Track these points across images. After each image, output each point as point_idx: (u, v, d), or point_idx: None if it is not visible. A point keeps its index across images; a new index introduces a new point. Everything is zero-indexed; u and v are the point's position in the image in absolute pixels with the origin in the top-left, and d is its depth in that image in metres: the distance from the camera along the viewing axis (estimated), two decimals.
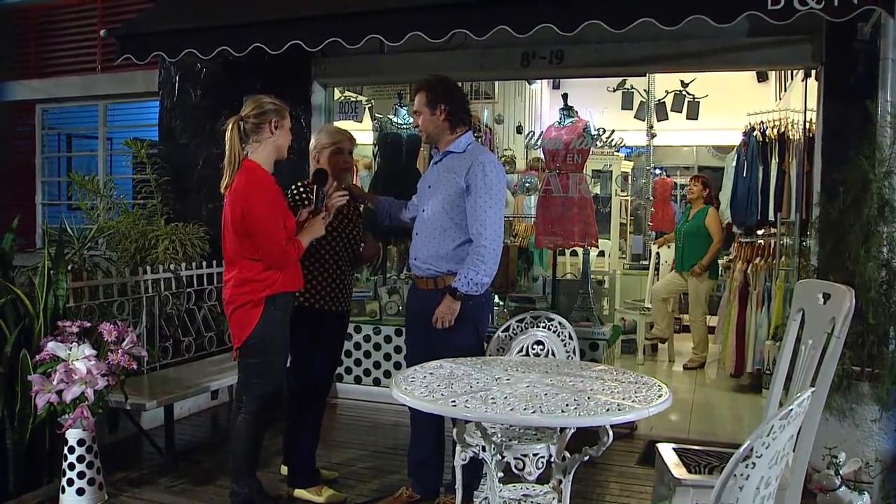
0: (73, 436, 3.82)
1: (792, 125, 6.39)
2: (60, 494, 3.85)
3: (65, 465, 3.84)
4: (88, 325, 4.01)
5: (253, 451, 3.67)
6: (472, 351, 3.65)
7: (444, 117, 3.65)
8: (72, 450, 3.82)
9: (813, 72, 5.14)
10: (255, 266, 3.49)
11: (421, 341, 3.79)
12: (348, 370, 6.03)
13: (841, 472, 3.63)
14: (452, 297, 3.56)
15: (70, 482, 3.82)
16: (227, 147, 3.45)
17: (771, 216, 6.40)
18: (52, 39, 7.64)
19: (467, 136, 3.73)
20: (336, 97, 6.65)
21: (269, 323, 3.52)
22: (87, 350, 3.80)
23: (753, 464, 1.83)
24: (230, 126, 3.46)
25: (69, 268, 4.62)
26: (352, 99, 7.28)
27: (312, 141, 4.12)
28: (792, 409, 1.87)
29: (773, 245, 6.31)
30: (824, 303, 2.75)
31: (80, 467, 3.82)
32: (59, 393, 3.71)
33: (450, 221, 3.64)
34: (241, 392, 3.72)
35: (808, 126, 5.58)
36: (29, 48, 7.73)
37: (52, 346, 3.76)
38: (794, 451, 2.51)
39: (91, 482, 3.86)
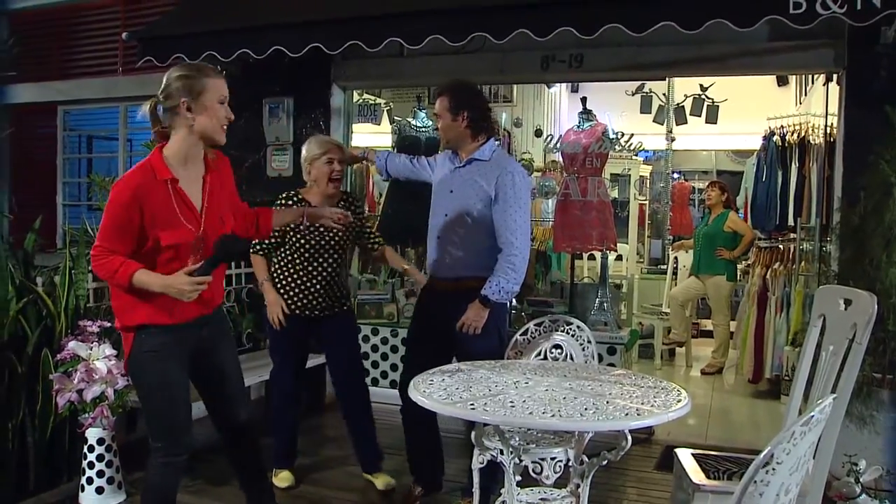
0: (92, 435, 3.85)
1: (812, 129, 6.35)
2: (80, 493, 3.89)
3: (84, 463, 3.87)
4: (109, 324, 4.04)
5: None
6: (495, 355, 3.66)
7: (465, 124, 3.66)
8: (91, 448, 3.85)
9: (835, 76, 5.10)
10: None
11: (434, 346, 3.76)
12: (365, 373, 6.04)
13: (861, 479, 3.60)
14: (484, 305, 3.58)
15: (90, 481, 3.86)
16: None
17: (790, 221, 6.36)
18: (75, 42, 7.69)
19: (491, 144, 3.74)
20: (355, 100, 6.67)
21: (138, 358, 2.94)
22: (108, 350, 3.84)
23: (773, 470, 1.82)
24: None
25: (90, 268, 4.65)
26: (371, 102, 7.30)
27: (303, 152, 4.15)
28: (813, 416, 1.85)
29: (792, 250, 6.27)
30: (845, 309, 2.73)
31: (99, 466, 3.86)
32: (80, 392, 3.75)
33: (473, 227, 3.65)
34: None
35: (829, 130, 5.55)
36: (51, 50, 7.79)
37: (72, 346, 3.80)
38: (814, 458, 2.50)
39: (110, 481, 3.88)
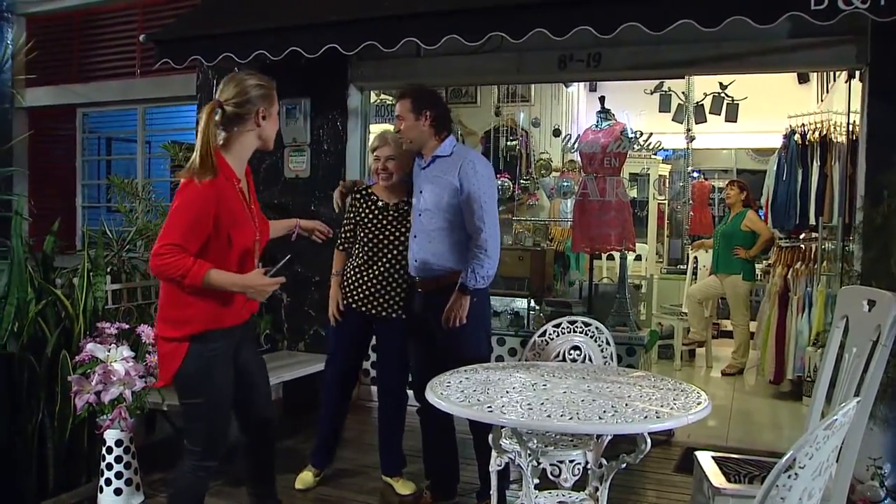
0: (111, 436, 3.86)
1: (834, 127, 6.27)
2: (98, 494, 3.90)
3: (103, 465, 3.89)
4: (127, 326, 4.07)
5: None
6: (482, 348, 3.77)
7: (429, 123, 3.73)
8: (110, 450, 3.87)
9: (857, 73, 5.03)
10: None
11: (426, 346, 3.85)
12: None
13: (886, 483, 3.55)
14: (462, 293, 3.62)
15: (108, 482, 3.87)
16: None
17: (812, 220, 6.29)
18: (93, 45, 7.73)
19: (451, 139, 3.81)
20: (372, 100, 6.67)
21: (195, 365, 2.89)
22: (126, 352, 3.85)
23: (796, 474, 1.78)
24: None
25: (108, 270, 4.68)
26: (388, 102, 7.31)
27: None
28: (837, 419, 1.82)
29: (814, 250, 6.20)
30: (869, 310, 2.68)
31: (117, 467, 3.87)
32: (98, 394, 3.76)
33: (445, 221, 3.72)
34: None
35: (851, 128, 5.48)
36: (70, 53, 7.84)
37: (91, 348, 3.81)
38: (837, 461, 2.45)
39: (128, 482, 3.90)
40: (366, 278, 4.11)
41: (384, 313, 4.13)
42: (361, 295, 4.13)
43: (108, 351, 3.83)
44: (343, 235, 4.24)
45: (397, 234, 4.07)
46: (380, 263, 4.09)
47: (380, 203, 4.13)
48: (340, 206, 4.25)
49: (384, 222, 4.09)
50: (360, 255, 4.14)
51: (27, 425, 3.99)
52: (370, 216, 4.11)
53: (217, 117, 2.87)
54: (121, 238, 5.95)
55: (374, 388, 6.00)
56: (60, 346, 4.04)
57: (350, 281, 4.16)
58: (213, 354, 2.88)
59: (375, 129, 6.66)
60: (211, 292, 2.78)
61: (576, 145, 6.13)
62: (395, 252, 4.08)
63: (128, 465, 3.90)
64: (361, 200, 4.16)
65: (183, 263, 2.67)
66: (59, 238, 4.77)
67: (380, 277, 4.10)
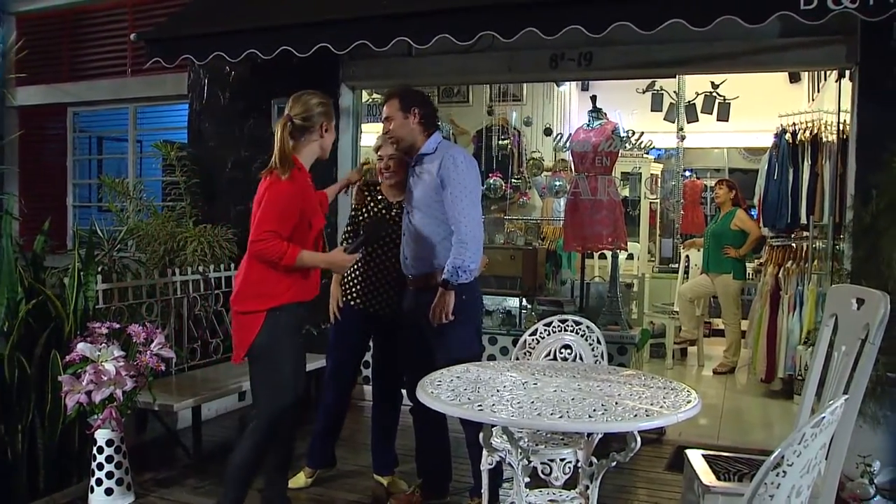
0: (101, 436, 3.86)
1: (825, 127, 6.29)
2: (89, 494, 3.90)
3: (94, 464, 3.89)
4: (118, 326, 4.06)
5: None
6: (473, 345, 3.76)
7: (417, 120, 3.73)
8: (100, 450, 3.87)
9: (847, 72, 5.06)
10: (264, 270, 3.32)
11: (418, 345, 3.84)
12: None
13: (875, 481, 3.56)
14: (445, 288, 3.61)
15: (99, 482, 3.87)
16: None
17: (803, 219, 6.31)
18: (84, 44, 7.72)
19: (436, 136, 3.81)
20: (364, 99, 6.66)
21: (275, 333, 3.35)
22: (116, 351, 3.85)
23: (784, 472, 1.79)
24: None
25: (99, 269, 4.67)
26: (379, 101, 7.28)
27: None
28: (824, 417, 1.83)
29: (805, 248, 6.22)
30: (858, 308, 2.69)
31: (108, 467, 3.87)
32: (89, 394, 3.75)
33: (433, 218, 3.72)
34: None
35: (841, 128, 5.49)
36: (61, 52, 7.82)
37: (81, 347, 3.80)
38: (826, 459, 2.46)
39: (119, 482, 3.90)
40: (364, 276, 4.12)
41: (381, 311, 4.13)
42: (359, 292, 4.13)
43: (99, 351, 3.82)
44: (347, 231, 4.24)
45: (398, 231, 4.06)
46: (378, 261, 4.10)
47: (384, 201, 4.14)
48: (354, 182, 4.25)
49: (381, 223, 4.08)
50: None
51: (18, 425, 3.98)
52: (374, 211, 4.13)
53: (288, 129, 3.39)
54: (112, 237, 5.94)
55: (366, 388, 6.01)
56: (51, 345, 4.02)
57: (349, 278, 4.16)
58: (285, 325, 3.35)
59: (367, 128, 6.67)
60: (296, 270, 3.30)
61: (567, 144, 6.13)
62: (394, 251, 4.07)
63: (119, 465, 3.90)
64: (368, 194, 4.17)
65: (280, 247, 3.20)
66: (50, 237, 4.75)
67: (379, 275, 4.11)
